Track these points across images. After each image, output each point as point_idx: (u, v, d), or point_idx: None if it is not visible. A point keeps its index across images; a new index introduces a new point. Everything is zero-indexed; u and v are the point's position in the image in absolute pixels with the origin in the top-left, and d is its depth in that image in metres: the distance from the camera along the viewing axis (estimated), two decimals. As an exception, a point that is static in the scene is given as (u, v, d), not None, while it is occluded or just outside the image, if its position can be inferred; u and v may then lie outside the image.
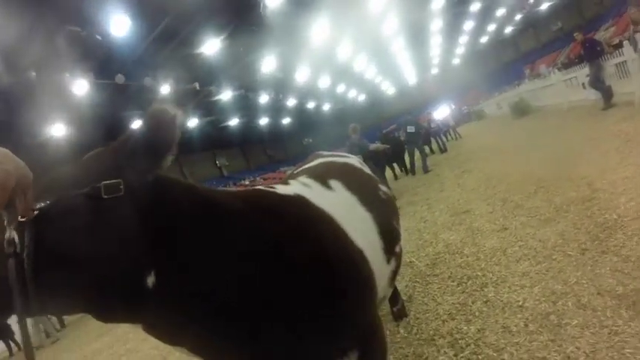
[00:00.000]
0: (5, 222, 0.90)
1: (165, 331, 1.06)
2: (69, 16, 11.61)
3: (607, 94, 9.75)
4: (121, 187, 0.95)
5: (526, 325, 2.37)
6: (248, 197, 1.34)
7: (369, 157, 7.72)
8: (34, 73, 12.71)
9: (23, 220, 0.88)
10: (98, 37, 13.20)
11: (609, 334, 2.01)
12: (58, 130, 17.00)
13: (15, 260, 0.85)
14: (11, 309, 0.91)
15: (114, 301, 0.96)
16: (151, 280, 0.96)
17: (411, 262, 4.26)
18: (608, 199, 3.74)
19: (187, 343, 1.09)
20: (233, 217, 1.15)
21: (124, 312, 1.00)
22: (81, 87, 14.97)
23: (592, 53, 10.46)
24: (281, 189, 1.51)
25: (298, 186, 1.61)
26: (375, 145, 7.76)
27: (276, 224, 1.22)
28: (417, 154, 11.76)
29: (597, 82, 10.13)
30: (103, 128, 15.86)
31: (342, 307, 1.23)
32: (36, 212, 0.89)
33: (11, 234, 0.87)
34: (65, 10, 11.04)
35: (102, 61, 14.85)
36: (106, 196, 0.93)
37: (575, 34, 11.74)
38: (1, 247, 0.89)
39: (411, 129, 11.47)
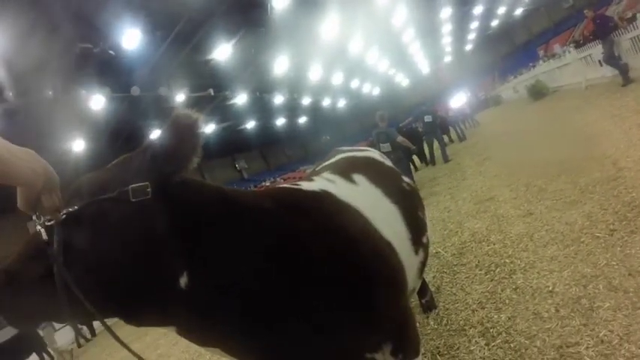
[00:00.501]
0: (36, 223, 0.93)
1: (198, 332, 1.08)
2: (81, 34, 11.89)
3: (624, 70, 9.47)
4: (149, 190, 0.97)
5: (557, 311, 2.34)
6: (274, 195, 1.35)
7: (397, 147, 7.71)
8: (50, 92, 13.06)
9: (51, 223, 0.91)
10: (111, 52, 13.48)
11: (643, 315, 1.97)
12: (78, 145, 17.43)
13: (45, 265, 0.88)
14: (43, 314, 0.96)
15: (147, 304, 0.98)
16: (183, 281, 0.97)
17: (437, 252, 4.23)
18: (634, 177, 3.65)
19: (221, 343, 1.10)
20: (260, 215, 1.16)
21: (157, 314, 1.01)
22: (98, 102, 15.33)
23: (604, 30, 10.21)
24: (306, 185, 1.51)
25: (322, 182, 1.61)
26: (401, 139, 7.72)
27: (303, 220, 1.23)
28: (435, 143, 11.64)
29: (612, 58, 9.90)
30: (122, 140, 16.19)
31: (374, 300, 1.23)
32: (64, 216, 0.92)
33: (43, 236, 0.91)
34: (77, 29, 11.30)
35: (116, 75, 15.15)
36: (134, 200, 0.95)
37: (585, 11, 11.46)
38: (34, 250, 0.93)
39: (428, 118, 11.40)
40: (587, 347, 1.96)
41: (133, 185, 0.96)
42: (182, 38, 15.30)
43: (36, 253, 0.92)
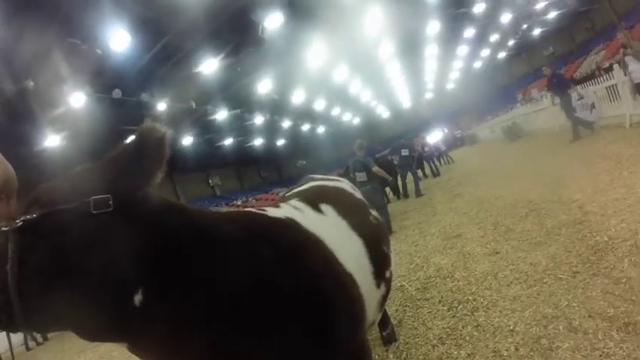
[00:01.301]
0: None
1: (149, 350, 1.04)
2: (70, 28, 11.73)
3: (576, 128, 10.13)
4: (110, 202, 0.94)
5: (517, 350, 2.33)
6: (238, 219, 1.33)
7: (372, 177, 7.69)
8: (32, 83, 12.71)
9: (5, 229, 0.87)
10: (98, 50, 13.29)
11: (601, 356, 1.98)
12: (51, 141, 16.94)
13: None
14: None
15: (100, 319, 0.94)
16: (138, 299, 0.95)
17: (401, 285, 4.21)
18: (598, 221, 3.76)
19: None
20: (222, 239, 1.14)
21: (110, 330, 0.98)
22: (78, 99, 15.01)
23: (560, 87, 10.84)
24: (271, 212, 1.50)
25: (289, 209, 1.61)
26: (377, 169, 7.75)
27: (265, 248, 1.21)
28: (409, 177, 11.75)
29: (571, 114, 10.49)
30: (98, 142, 15.81)
31: (332, 332, 1.22)
32: (20, 223, 0.88)
33: None
34: (67, 22, 11.16)
35: (100, 74, 14.92)
36: (95, 212, 0.92)
37: (543, 68, 12.34)
38: None
39: (405, 152, 11.46)
40: (544, 388, 1.92)
41: (95, 197, 0.93)
42: (171, 47, 15.30)
43: None
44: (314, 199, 1.78)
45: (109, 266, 0.92)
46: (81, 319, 0.93)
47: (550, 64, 12.18)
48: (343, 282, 1.38)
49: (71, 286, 0.89)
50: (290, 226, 1.43)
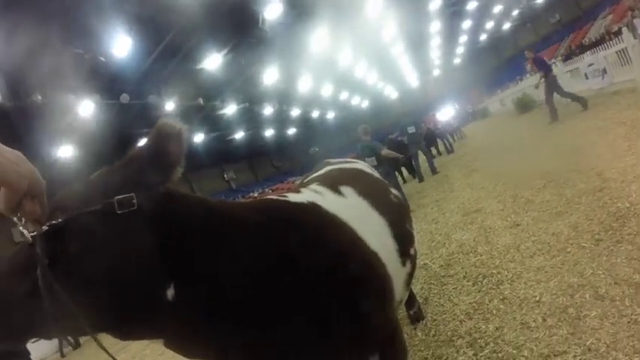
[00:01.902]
0: (19, 228, 0.90)
1: (185, 343, 1.06)
2: (72, 39, 11.83)
3: (572, 98, 10.24)
4: (134, 201, 0.95)
5: (544, 320, 2.34)
6: (260, 207, 1.35)
7: (383, 161, 7.67)
8: (40, 97, 12.92)
9: (34, 234, 0.88)
10: (101, 58, 13.41)
11: (629, 322, 1.98)
12: (65, 151, 17.19)
13: (31, 280, 0.85)
14: (29, 330, 0.92)
15: (135, 317, 0.96)
16: (170, 293, 0.97)
17: (424, 264, 4.22)
18: (618, 187, 3.72)
19: (207, 355, 1.09)
20: (246, 227, 1.16)
21: (145, 327, 1.00)
22: (87, 108, 15.19)
23: (542, 69, 10.89)
24: (293, 197, 1.51)
25: (310, 194, 1.60)
26: (387, 151, 7.69)
27: (290, 233, 1.22)
28: (422, 157, 11.57)
29: (560, 91, 10.49)
30: (110, 148, 16.03)
31: (362, 311, 1.23)
32: (46, 228, 0.89)
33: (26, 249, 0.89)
34: (68, 33, 11.26)
35: (106, 81, 15.08)
36: (119, 211, 0.93)
37: (525, 52, 12.53)
38: (19, 264, 0.90)
39: (411, 129, 11.23)
40: (574, 356, 1.96)
41: (119, 197, 0.94)
42: (173, 46, 15.34)
43: (20, 267, 0.90)
44: (333, 182, 1.78)
45: (139, 264, 0.94)
46: (116, 319, 0.95)
47: (532, 48, 11.97)
48: (369, 261, 1.39)
49: (104, 287, 0.90)
50: (312, 209, 1.44)
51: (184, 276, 0.99)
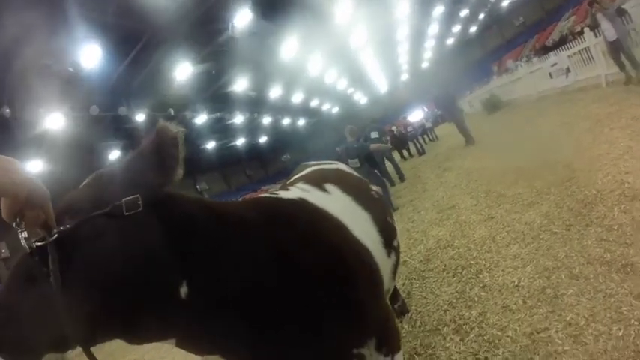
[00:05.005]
0: (22, 239, 0.88)
1: (198, 340, 1.08)
2: (39, 50, 11.47)
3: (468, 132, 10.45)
4: (139, 202, 0.97)
5: (524, 302, 2.45)
6: (256, 205, 1.41)
7: (364, 162, 7.47)
8: (7, 110, 12.44)
9: (44, 243, 0.87)
10: (70, 69, 13.03)
11: (604, 296, 2.11)
12: (35, 166, 16.57)
13: (42, 289, 0.84)
14: (47, 344, 0.89)
15: (150, 317, 0.96)
16: (184, 291, 0.99)
17: (405, 261, 4.29)
18: (585, 177, 3.92)
19: (219, 349, 1.11)
20: (245, 224, 1.20)
21: (161, 327, 1.01)
22: (56, 121, 14.71)
23: (448, 102, 11.04)
24: (284, 194, 1.57)
25: (298, 191, 1.66)
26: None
27: (286, 228, 1.28)
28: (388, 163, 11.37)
29: (463, 125, 10.66)
30: (81, 161, 15.54)
31: (359, 299, 1.29)
32: (56, 235, 0.88)
33: (34, 256, 0.87)
34: (35, 44, 10.91)
35: (75, 93, 14.63)
36: (127, 213, 0.95)
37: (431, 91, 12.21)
38: (26, 274, 0.88)
39: (374, 135, 11.02)
40: (556, 331, 2.07)
41: (126, 199, 0.95)
42: (142, 57, 15.03)
43: (28, 277, 0.88)
44: (318, 181, 1.85)
45: (151, 264, 0.95)
46: (132, 323, 0.95)
47: (439, 83, 11.81)
48: (360, 252, 1.46)
49: (118, 290, 0.90)
50: (304, 205, 1.50)
51: (195, 273, 1.01)
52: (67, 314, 0.82)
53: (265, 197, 1.56)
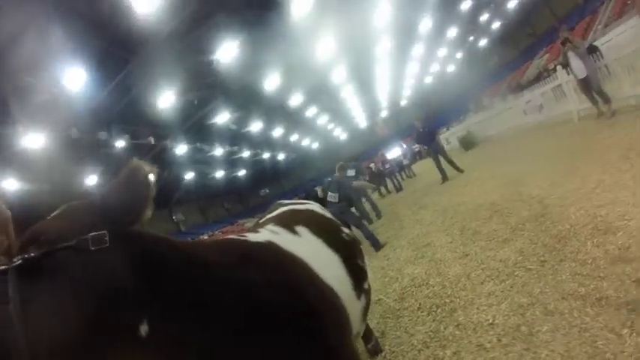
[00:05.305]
0: None
1: None
2: (23, 67, 11.35)
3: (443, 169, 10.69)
4: (106, 238, 0.97)
5: (499, 340, 2.39)
6: (223, 246, 1.43)
7: (343, 199, 7.58)
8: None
9: (4, 268, 0.86)
10: (53, 89, 12.87)
11: (579, 331, 2.07)
12: (10, 184, 16.21)
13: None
14: None
15: (109, 355, 0.95)
16: (144, 329, 0.98)
17: (379, 299, 4.24)
18: (558, 212, 3.96)
19: None
20: (212, 265, 1.20)
21: None
22: (35, 140, 14.51)
23: (430, 136, 11.36)
24: (252, 237, 1.59)
25: (267, 233, 1.69)
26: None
27: (251, 270, 1.28)
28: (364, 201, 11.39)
29: (445, 158, 10.87)
30: (58, 182, 15.17)
31: (322, 343, 1.30)
32: (19, 262, 0.87)
33: None
34: (20, 61, 10.79)
35: (56, 114, 14.42)
36: (93, 248, 0.95)
37: (415, 122, 12.40)
38: None
39: (351, 172, 10.92)
40: (531, 369, 1.99)
41: (93, 234, 0.96)
42: (126, 84, 15.05)
43: None
44: (288, 222, 1.88)
45: (112, 300, 0.94)
46: (90, 356, 0.93)
47: (420, 118, 11.87)
48: (326, 296, 1.47)
49: (77, 324, 0.88)
50: (271, 248, 1.51)
51: (156, 311, 1.01)
52: (21, 341, 0.81)
53: (233, 239, 1.57)
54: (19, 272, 0.87)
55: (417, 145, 35.81)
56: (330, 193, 7.50)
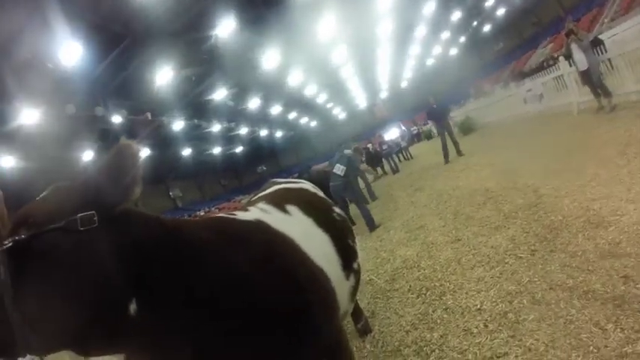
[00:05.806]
0: None
1: (147, 357, 1.09)
2: (20, 44, 11.11)
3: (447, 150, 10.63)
4: (95, 218, 0.98)
5: (486, 326, 2.43)
6: (212, 225, 1.41)
7: (348, 174, 7.57)
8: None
9: None
10: (49, 65, 12.64)
11: (565, 323, 2.10)
12: (7, 161, 16.15)
13: None
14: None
15: (100, 332, 0.98)
16: (133, 308, 1.00)
17: (370, 279, 4.29)
18: (552, 202, 3.98)
19: None
20: (200, 244, 1.21)
21: (109, 342, 1.01)
22: (30, 116, 14.31)
23: (443, 115, 11.27)
24: (241, 215, 1.59)
25: (257, 212, 1.68)
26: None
27: (240, 249, 1.29)
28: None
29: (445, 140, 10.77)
30: (54, 159, 15.07)
31: (309, 321, 1.31)
32: (10, 244, 0.89)
33: None
34: (16, 38, 10.57)
35: (53, 90, 14.20)
36: (82, 228, 0.96)
37: (429, 97, 12.08)
38: None
39: (347, 151, 11.13)
40: (516, 356, 2.05)
41: (81, 214, 0.96)
42: (123, 59, 14.80)
43: None
44: (279, 201, 1.87)
45: (102, 279, 0.96)
46: (82, 336, 0.95)
47: (434, 95, 11.69)
48: (314, 275, 1.47)
49: (68, 303, 0.91)
50: (260, 227, 1.51)
51: (145, 290, 1.02)
52: (15, 321, 0.85)
53: (222, 217, 1.58)
54: (10, 254, 0.88)
55: (414, 128, 35.76)
56: (337, 165, 7.52)
